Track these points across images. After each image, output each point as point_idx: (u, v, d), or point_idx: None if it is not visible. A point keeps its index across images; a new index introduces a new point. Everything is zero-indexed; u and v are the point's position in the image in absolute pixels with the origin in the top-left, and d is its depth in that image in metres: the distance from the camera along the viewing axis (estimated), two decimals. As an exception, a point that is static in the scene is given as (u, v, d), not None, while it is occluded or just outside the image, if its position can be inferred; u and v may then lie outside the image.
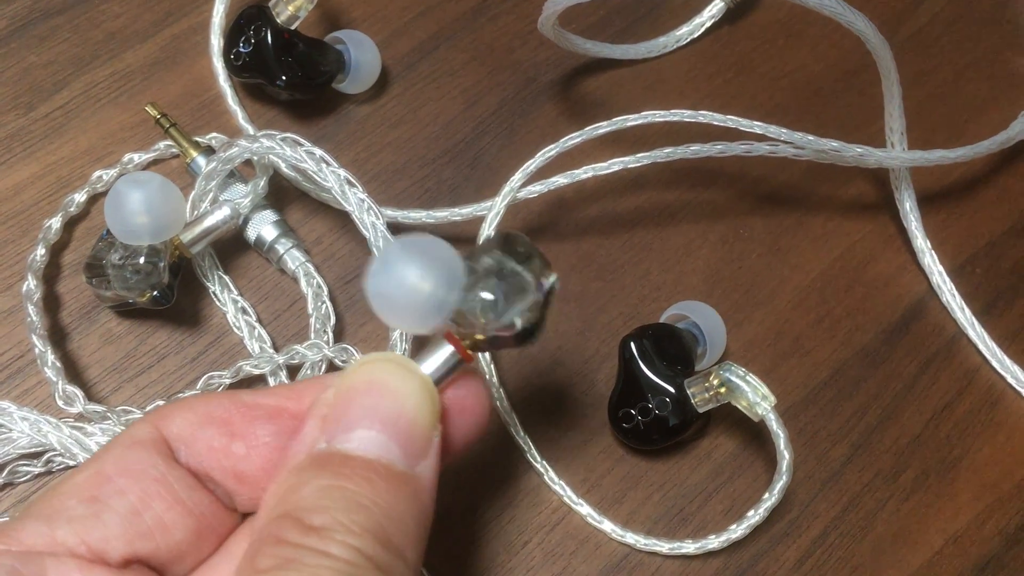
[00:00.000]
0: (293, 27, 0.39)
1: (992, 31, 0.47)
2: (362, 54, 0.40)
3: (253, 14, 0.39)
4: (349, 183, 0.35)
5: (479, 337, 0.26)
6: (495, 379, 0.37)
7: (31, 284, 0.35)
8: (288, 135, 0.35)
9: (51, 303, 0.36)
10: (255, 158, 0.37)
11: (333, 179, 0.35)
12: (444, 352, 0.26)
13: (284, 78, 0.38)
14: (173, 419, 0.25)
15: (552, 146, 0.37)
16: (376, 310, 0.25)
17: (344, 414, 0.24)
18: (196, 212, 0.37)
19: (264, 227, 0.37)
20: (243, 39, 0.39)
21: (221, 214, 0.36)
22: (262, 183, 0.37)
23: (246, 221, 0.37)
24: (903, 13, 0.47)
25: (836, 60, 0.45)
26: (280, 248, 0.37)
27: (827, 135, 0.38)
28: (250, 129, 0.40)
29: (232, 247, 0.38)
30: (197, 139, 0.38)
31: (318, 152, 0.35)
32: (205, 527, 0.25)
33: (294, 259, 0.37)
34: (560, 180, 0.38)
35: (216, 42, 0.40)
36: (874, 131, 0.42)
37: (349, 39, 0.40)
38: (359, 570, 0.21)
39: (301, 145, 0.35)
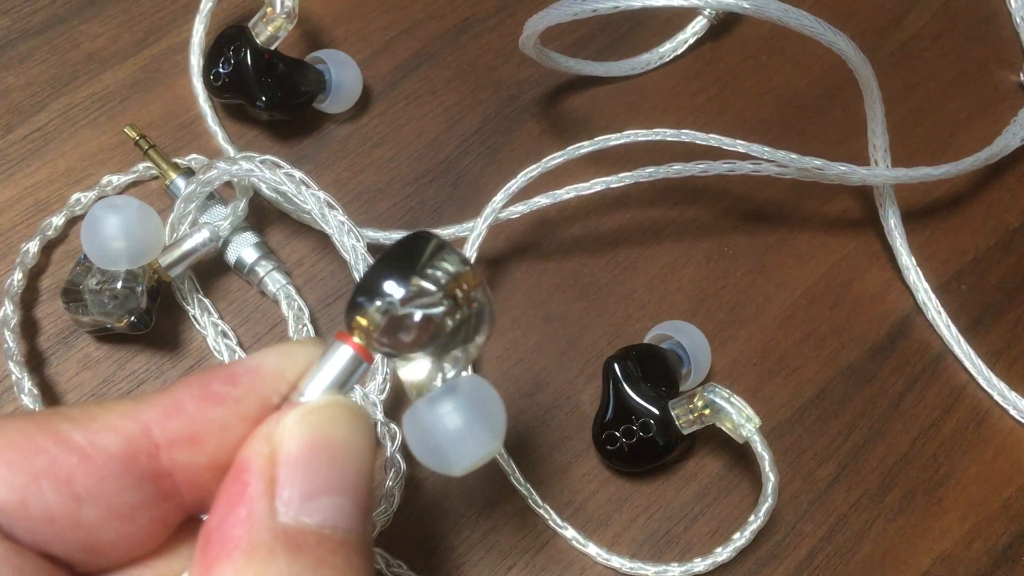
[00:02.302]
0: (273, 47, 0.39)
1: (976, 46, 0.46)
2: (343, 73, 0.40)
3: (233, 34, 0.38)
4: (329, 205, 0.35)
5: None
6: (478, 401, 0.36)
7: (8, 309, 0.35)
8: (268, 157, 0.35)
9: (28, 328, 0.36)
10: (235, 180, 0.36)
11: (313, 201, 0.35)
12: (343, 359, 0.22)
13: (264, 98, 0.38)
14: None
15: (534, 166, 0.37)
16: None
17: (306, 479, 0.20)
18: (175, 235, 0.36)
19: (244, 249, 0.37)
20: (223, 59, 0.38)
21: (200, 237, 0.35)
22: (242, 205, 0.37)
23: (226, 243, 0.37)
24: (887, 28, 0.47)
25: (820, 75, 0.45)
26: (260, 270, 0.37)
27: (811, 150, 0.37)
28: (230, 150, 0.39)
29: (212, 270, 0.38)
30: (176, 161, 0.38)
31: (297, 174, 0.35)
32: None
33: (275, 281, 0.37)
34: (542, 200, 0.37)
35: (196, 62, 0.40)
36: (859, 146, 0.41)
37: (330, 59, 0.40)
38: None
39: (281, 167, 0.35)
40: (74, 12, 0.41)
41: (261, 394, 0.21)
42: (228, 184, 0.37)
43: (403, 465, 0.34)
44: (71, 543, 0.20)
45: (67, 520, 0.19)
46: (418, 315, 0.22)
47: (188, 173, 0.38)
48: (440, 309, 0.22)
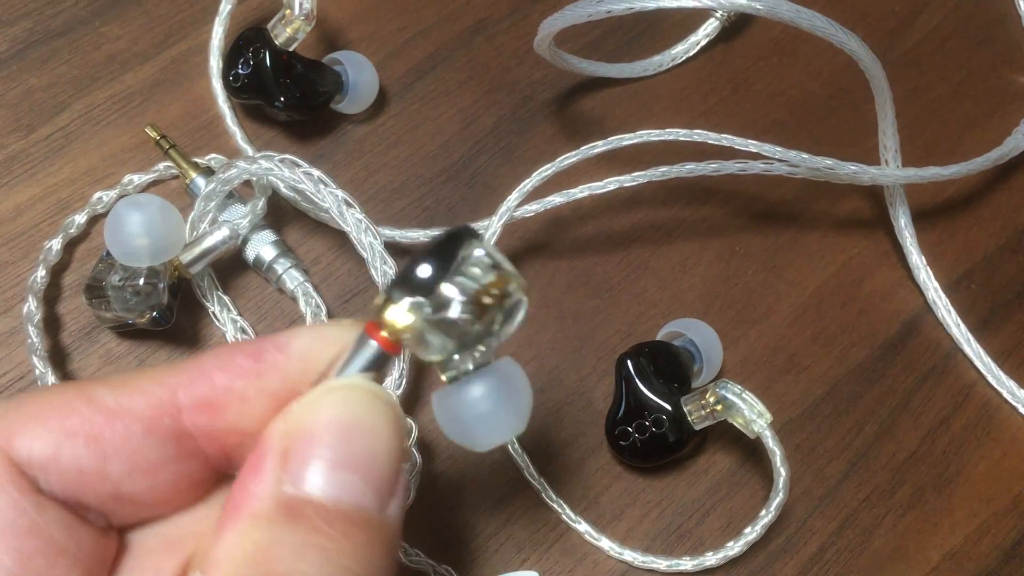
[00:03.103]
0: (291, 48, 0.39)
1: (986, 47, 0.47)
2: (360, 75, 0.40)
3: (252, 36, 0.39)
4: (347, 203, 0.35)
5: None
6: (493, 397, 0.37)
7: (32, 306, 0.35)
8: (287, 156, 0.35)
9: (51, 324, 0.36)
10: (254, 179, 0.37)
11: (331, 200, 0.35)
12: (371, 350, 0.23)
13: (282, 99, 0.39)
14: (22, 439, 0.21)
15: (548, 165, 0.38)
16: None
17: (312, 453, 0.21)
18: (195, 233, 0.37)
19: (263, 247, 0.38)
20: (242, 61, 0.39)
21: (220, 235, 0.36)
22: (260, 203, 0.37)
23: (245, 241, 0.38)
24: (898, 29, 0.47)
25: (831, 76, 0.45)
26: (279, 268, 0.37)
27: (823, 151, 0.38)
28: (249, 150, 0.40)
29: (231, 267, 0.38)
30: (196, 160, 0.39)
31: (316, 173, 0.35)
32: (90, 567, 0.22)
33: (293, 279, 0.37)
34: (556, 199, 0.38)
35: (215, 64, 0.41)
36: (870, 146, 0.42)
37: (347, 60, 0.40)
38: None
39: (299, 166, 0.35)
40: (96, 14, 0.42)
41: (284, 371, 0.22)
42: (247, 183, 0.38)
43: (419, 459, 0.34)
44: (100, 494, 0.22)
45: (95, 473, 0.21)
46: (448, 318, 0.23)
47: (208, 172, 0.38)
48: (467, 316, 0.23)
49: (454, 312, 0.23)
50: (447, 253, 0.23)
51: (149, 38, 0.42)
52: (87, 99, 0.40)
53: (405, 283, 0.23)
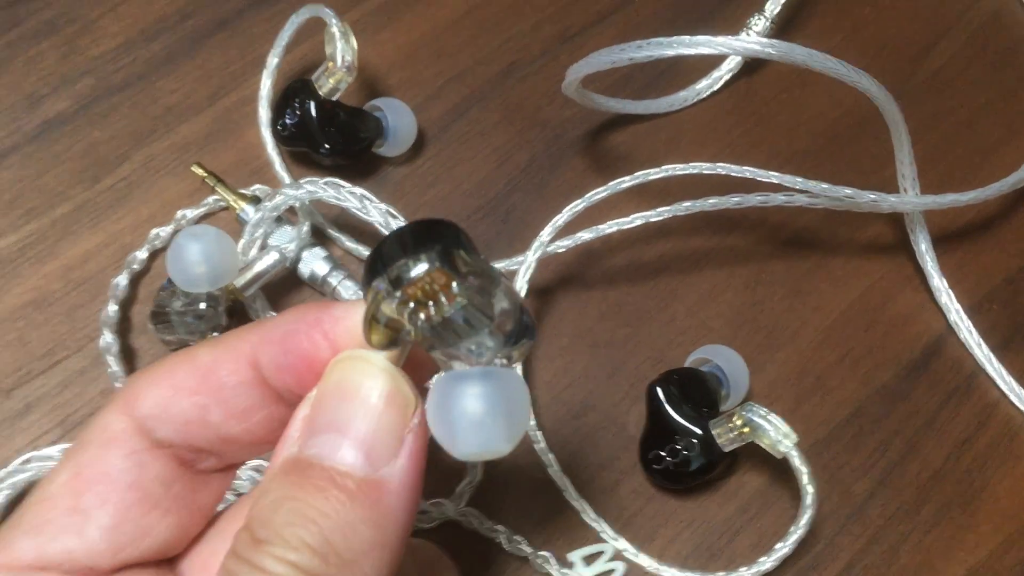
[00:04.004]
0: (335, 98, 0.42)
1: (1005, 72, 0.48)
2: (399, 120, 0.43)
3: (298, 87, 0.42)
4: (391, 215, 0.38)
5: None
6: (532, 422, 0.39)
7: (108, 338, 0.38)
8: (329, 179, 0.38)
9: (128, 355, 0.39)
10: (297, 204, 0.39)
11: (376, 213, 0.38)
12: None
13: (327, 146, 0.41)
14: (144, 400, 0.25)
15: (579, 201, 0.40)
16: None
17: (315, 418, 0.23)
18: (246, 258, 0.39)
19: (316, 263, 0.40)
20: (289, 111, 0.42)
21: (270, 259, 0.39)
22: (305, 227, 0.40)
23: (297, 260, 0.40)
24: (917, 56, 0.48)
25: (852, 106, 0.47)
26: (333, 280, 0.40)
27: (845, 179, 0.39)
28: (297, 193, 0.42)
29: (282, 287, 0.41)
30: (243, 191, 0.41)
31: (359, 191, 0.38)
32: (188, 514, 0.25)
33: (348, 288, 0.40)
34: (586, 235, 0.40)
35: (264, 114, 0.43)
36: (891, 173, 0.43)
37: (386, 106, 0.43)
38: None
39: (343, 187, 0.38)
40: (152, 69, 0.45)
41: (334, 342, 0.25)
42: (291, 210, 0.40)
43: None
44: (207, 438, 0.25)
45: (198, 422, 0.25)
46: (385, 315, 0.23)
47: (255, 201, 0.41)
48: (404, 308, 0.22)
49: (394, 299, 0.22)
50: (393, 250, 0.23)
51: (202, 91, 0.44)
52: (146, 150, 0.43)
53: (364, 273, 0.23)
